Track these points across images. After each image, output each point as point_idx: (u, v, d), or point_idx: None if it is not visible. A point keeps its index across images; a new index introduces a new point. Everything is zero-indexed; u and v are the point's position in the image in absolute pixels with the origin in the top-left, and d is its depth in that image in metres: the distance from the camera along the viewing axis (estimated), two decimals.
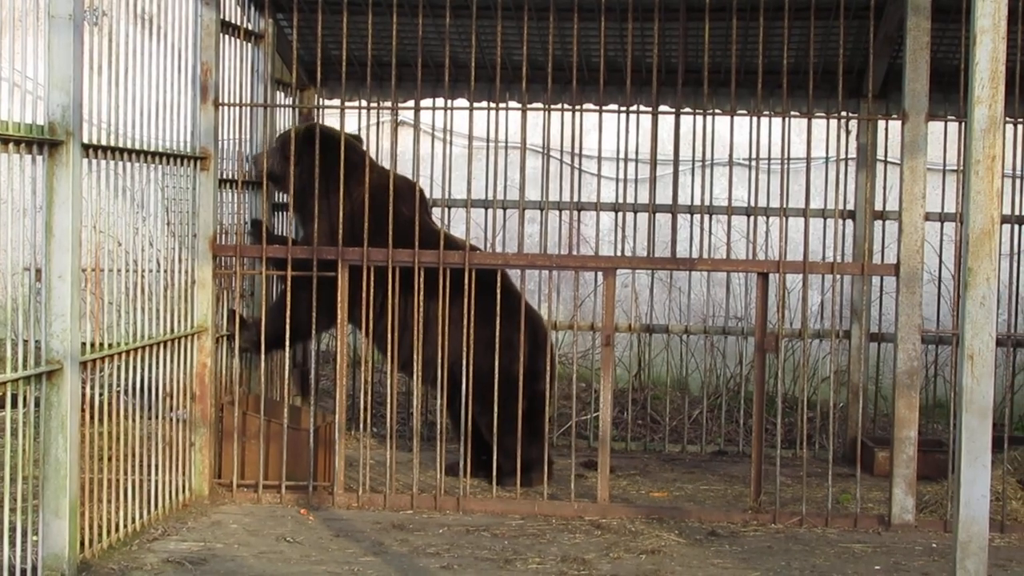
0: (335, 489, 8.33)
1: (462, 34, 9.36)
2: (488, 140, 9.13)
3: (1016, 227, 9.68)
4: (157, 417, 7.80)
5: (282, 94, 9.70)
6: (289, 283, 8.37)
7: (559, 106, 9.00)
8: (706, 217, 9.87)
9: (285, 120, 9.67)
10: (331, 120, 10.38)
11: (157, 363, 7.72)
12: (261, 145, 9.07)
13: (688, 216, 10.32)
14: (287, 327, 8.38)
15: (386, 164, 9.09)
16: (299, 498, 8.32)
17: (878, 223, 10.14)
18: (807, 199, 8.38)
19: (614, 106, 9.58)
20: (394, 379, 8.65)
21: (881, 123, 9.76)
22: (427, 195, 9.21)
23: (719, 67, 9.44)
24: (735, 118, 8.79)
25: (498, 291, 8.32)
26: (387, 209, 8.32)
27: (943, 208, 9.93)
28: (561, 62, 9.36)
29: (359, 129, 9.77)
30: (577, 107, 8.65)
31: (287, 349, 8.58)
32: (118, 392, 7.34)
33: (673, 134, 9.17)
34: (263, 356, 8.64)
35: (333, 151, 8.55)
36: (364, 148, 9.07)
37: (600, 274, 9.12)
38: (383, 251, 8.30)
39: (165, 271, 7.96)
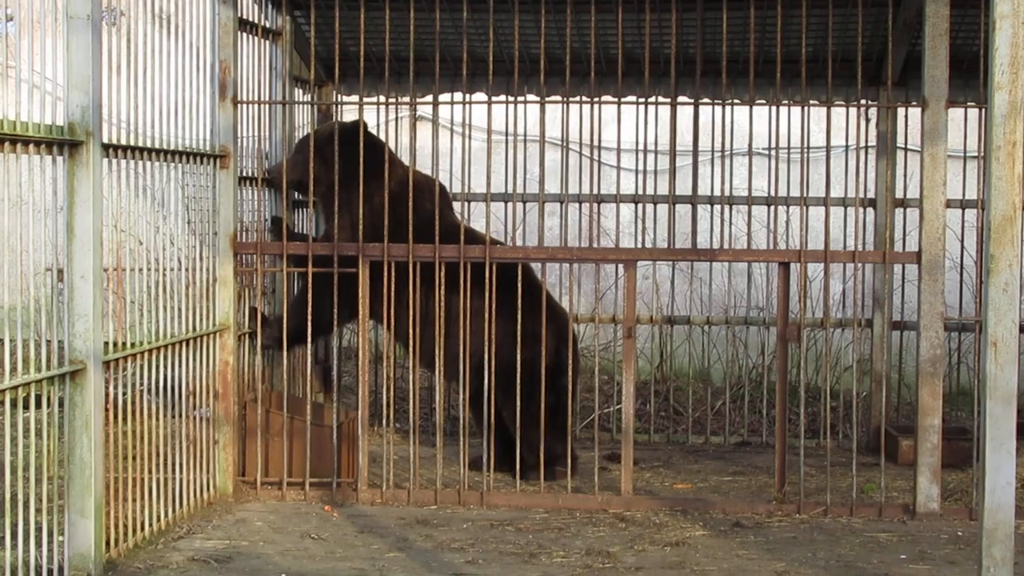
0: (359, 485, 8.34)
1: (480, 28, 9.36)
2: (507, 134, 9.13)
3: None
4: (180, 415, 7.82)
5: (300, 91, 9.71)
6: (310, 279, 8.37)
7: (577, 99, 9.00)
8: (726, 207, 9.84)
9: (304, 117, 9.68)
10: (349, 116, 10.40)
11: (180, 362, 7.73)
12: (280, 147, 9.07)
13: (708, 207, 10.30)
14: (308, 322, 8.39)
15: (405, 159, 9.09)
16: (323, 495, 8.34)
17: (899, 211, 10.11)
18: (827, 188, 8.36)
19: (632, 98, 9.58)
20: (416, 374, 8.65)
21: (901, 110, 9.74)
22: (447, 190, 9.20)
23: (737, 57, 9.42)
24: (754, 107, 8.77)
25: (519, 285, 8.31)
26: (408, 205, 8.33)
27: (964, 195, 9.90)
28: (579, 54, 9.36)
29: (377, 125, 9.77)
30: (596, 99, 8.64)
31: (309, 344, 8.59)
32: (141, 391, 7.36)
33: (692, 125, 9.15)
34: (285, 353, 8.65)
35: (353, 149, 8.56)
36: (382, 141, 9.04)
37: (621, 266, 9.12)
38: (404, 246, 8.30)
39: (186, 269, 7.97)
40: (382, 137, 9.29)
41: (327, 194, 8.67)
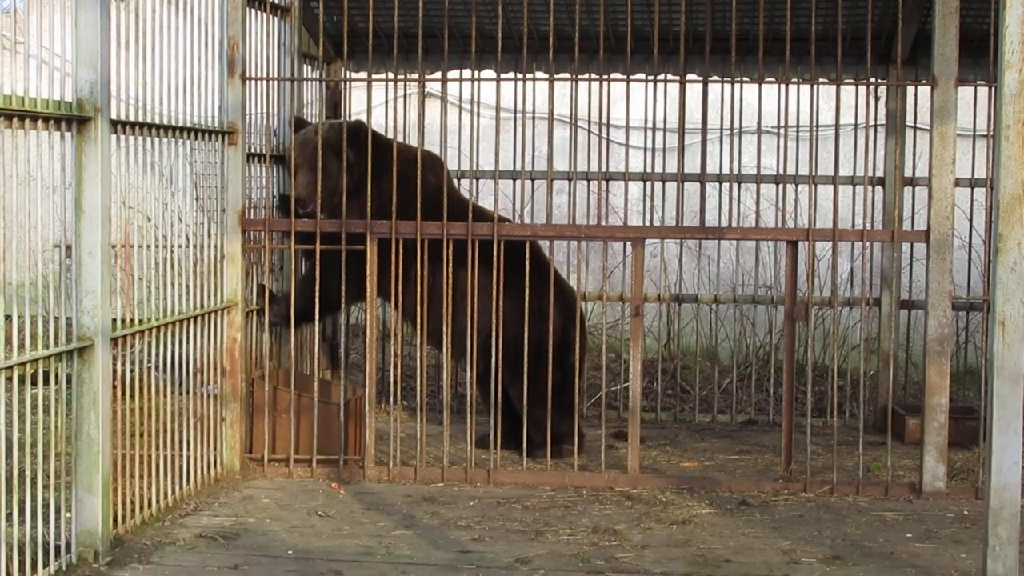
0: (366, 463, 8.35)
1: (488, 5, 9.33)
2: (516, 111, 9.11)
3: None
4: (188, 392, 7.83)
5: (309, 67, 9.70)
6: (318, 257, 8.36)
7: (586, 76, 8.97)
8: (735, 186, 9.84)
9: (312, 94, 9.66)
10: (358, 93, 10.38)
11: (187, 338, 7.74)
12: (288, 125, 9.04)
13: (717, 185, 10.29)
14: (316, 301, 8.38)
15: (413, 136, 9.08)
16: (330, 472, 8.35)
17: (908, 190, 10.09)
18: (836, 166, 8.35)
19: (641, 75, 9.55)
20: (423, 352, 8.65)
21: (910, 89, 9.70)
22: (450, 168, 9.18)
23: (747, 34, 9.40)
24: (763, 86, 8.74)
25: (527, 262, 8.31)
26: (415, 182, 8.32)
27: (973, 174, 9.88)
28: (588, 31, 9.33)
29: (386, 101, 9.76)
30: (604, 77, 8.62)
31: (317, 323, 8.59)
32: (149, 368, 7.37)
33: (701, 102, 9.13)
34: (293, 330, 8.65)
35: (362, 147, 8.51)
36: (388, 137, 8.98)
37: (629, 244, 9.11)
38: (412, 224, 8.29)
39: (194, 246, 7.97)
40: (391, 113, 9.27)
41: (337, 187, 8.61)
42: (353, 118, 9.29)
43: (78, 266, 6.43)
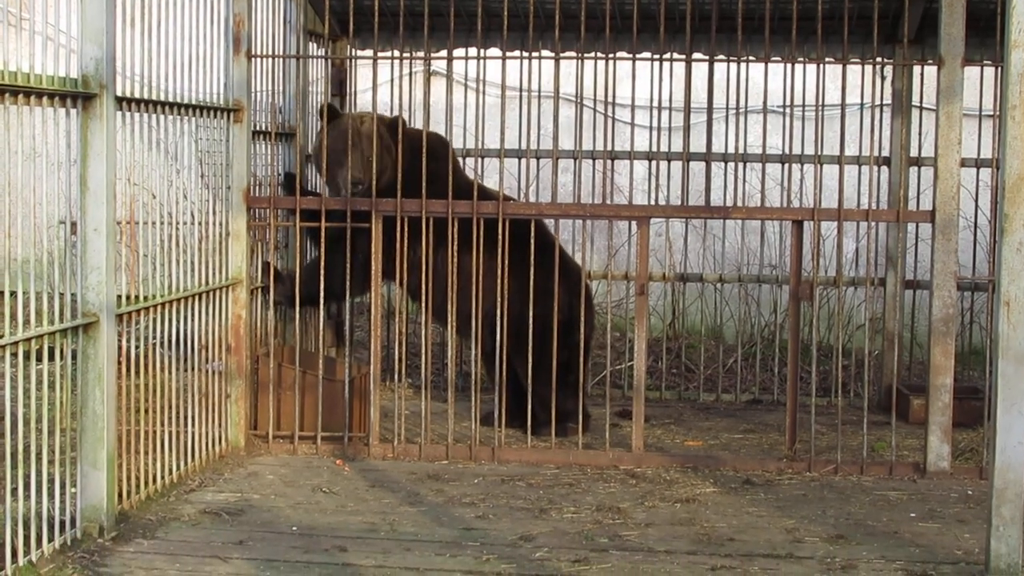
0: (370, 440, 8.36)
1: None
2: (521, 89, 9.09)
3: None
4: (193, 369, 7.84)
5: (314, 45, 9.68)
6: (323, 235, 8.35)
7: (592, 55, 8.95)
8: (740, 165, 9.81)
9: (318, 71, 9.65)
10: (363, 71, 10.36)
11: (192, 315, 7.75)
12: (294, 101, 9.02)
13: (722, 164, 10.27)
14: (321, 288, 8.36)
15: (419, 114, 9.06)
16: (335, 449, 8.36)
17: (913, 169, 10.08)
18: (842, 146, 8.33)
19: (648, 54, 9.53)
20: (428, 330, 8.66)
21: (917, 68, 9.68)
22: (455, 147, 9.16)
23: (753, 13, 9.37)
24: (769, 65, 8.73)
25: (533, 241, 8.29)
26: (421, 163, 8.30)
27: (979, 154, 9.86)
28: (594, 10, 9.30)
29: (391, 80, 9.75)
30: (610, 55, 8.60)
31: (321, 307, 8.60)
32: (154, 344, 7.38)
33: (707, 82, 9.11)
34: (298, 309, 8.64)
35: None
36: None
37: (634, 223, 9.11)
38: (416, 202, 8.29)
39: (199, 223, 7.97)
40: (396, 91, 9.26)
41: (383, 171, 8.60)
42: (359, 98, 9.24)
43: (83, 242, 6.43)
